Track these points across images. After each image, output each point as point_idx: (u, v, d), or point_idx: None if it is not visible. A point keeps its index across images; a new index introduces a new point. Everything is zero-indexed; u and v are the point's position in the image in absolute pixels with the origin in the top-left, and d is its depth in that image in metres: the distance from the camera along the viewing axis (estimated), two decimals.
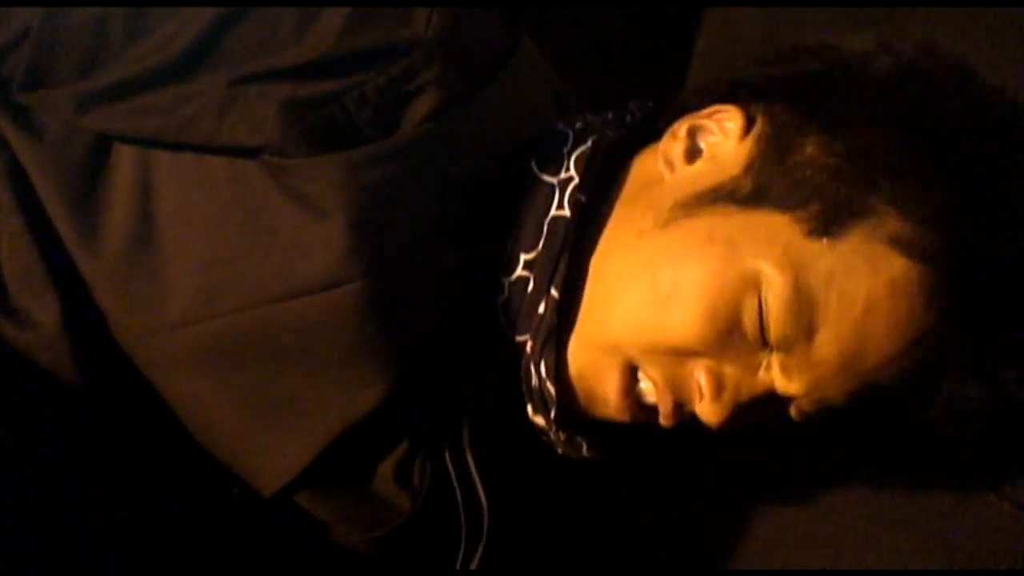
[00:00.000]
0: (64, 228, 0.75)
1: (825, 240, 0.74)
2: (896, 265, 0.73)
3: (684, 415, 0.78)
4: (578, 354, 0.79)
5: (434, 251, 0.77)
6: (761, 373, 0.76)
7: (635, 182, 0.80)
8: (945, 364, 0.75)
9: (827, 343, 0.74)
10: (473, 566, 0.80)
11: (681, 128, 0.80)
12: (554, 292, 0.77)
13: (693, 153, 0.79)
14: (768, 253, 0.74)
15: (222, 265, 0.74)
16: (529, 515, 0.89)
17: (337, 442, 0.77)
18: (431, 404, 0.81)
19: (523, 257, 0.79)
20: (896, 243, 0.73)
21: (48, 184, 0.75)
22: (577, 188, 0.78)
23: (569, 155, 0.80)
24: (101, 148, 0.76)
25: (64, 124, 0.75)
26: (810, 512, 0.93)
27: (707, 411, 0.76)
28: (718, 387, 0.76)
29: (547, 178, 0.80)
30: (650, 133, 0.83)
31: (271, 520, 0.82)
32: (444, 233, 0.77)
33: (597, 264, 0.79)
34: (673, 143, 0.80)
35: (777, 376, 0.76)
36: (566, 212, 0.78)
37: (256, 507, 0.81)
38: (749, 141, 0.78)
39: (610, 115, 0.85)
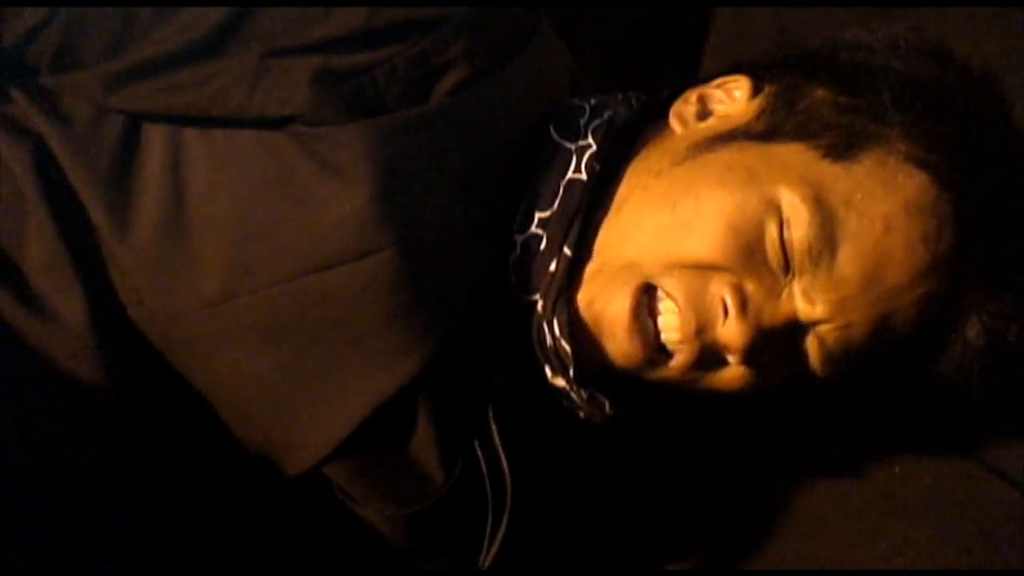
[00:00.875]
0: (96, 212, 0.74)
1: (840, 164, 0.77)
2: (910, 187, 0.76)
3: (705, 350, 0.77)
4: (590, 284, 0.79)
5: (461, 217, 0.77)
6: (784, 300, 0.77)
7: (648, 148, 0.83)
8: (962, 298, 0.78)
9: (848, 260, 0.76)
10: (497, 541, 0.79)
11: (692, 95, 0.84)
12: (567, 251, 0.78)
13: (704, 116, 0.83)
14: (786, 177, 0.76)
15: (256, 239, 0.74)
16: (552, 486, 0.89)
17: (377, 412, 0.77)
18: (461, 372, 0.80)
19: (538, 215, 0.80)
20: (909, 164, 0.76)
21: (78, 168, 0.75)
22: (594, 156, 0.80)
23: (587, 126, 0.82)
24: (132, 129, 0.76)
25: (94, 106, 0.75)
26: (821, 499, 0.93)
27: (731, 330, 0.76)
28: (742, 303, 0.76)
29: (566, 143, 0.81)
30: (660, 114, 0.85)
31: (294, 509, 0.81)
32: (470, 199, 0.78)
33: (612, 216, 0.80)
34: (685, 106, 0.84)
35: (800, 301, 0.77)
36: (583, 175, 0.80)
37: (280, 497, 0.81)
38: (759, 100, 0.82)
39: (620, 96, 0.86)
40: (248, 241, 0.74)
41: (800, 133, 0.79)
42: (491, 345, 0.82)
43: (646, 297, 0.77)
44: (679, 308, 0.76)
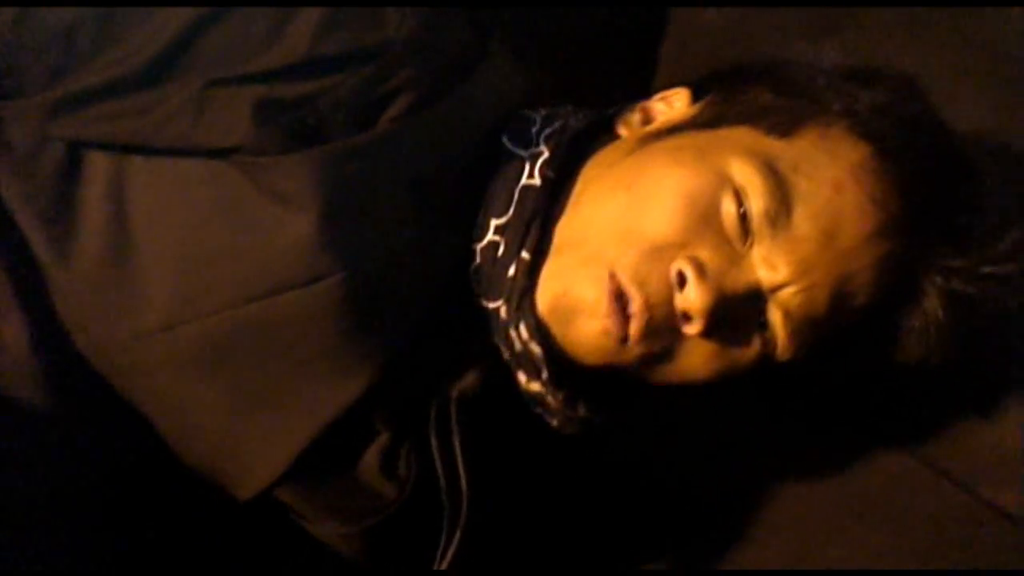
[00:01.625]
0: (36, 240, 0.74)
1: (784, 140, 0.80)
2: (854, 154, 0.79)
3: (662, 324, 0.77)
4: (560, 275, 0.79)
5: (411, 238, 0.78)
6: (744, 268, 0.77)
7: (599, 153, 0.84)
8: (917, 264, 0.80)
9: (804, 220, 0.77)
10: (449, 555, 0.79)
11: (635, 107, 0.87)
12: (524, 255, 0.79)
13: (647, 123, 0.86)
14: (735, 152, 0.79)
15: (201, 266, 0.74)
16: (515, 496, 0.89)
17: (323, 434, 0.77)
18: (415, 388, 0.81)
19: (494, 222, 0.81)
20: (850, 136, 0.80)
21: (18, 196, 0.74)
22: (547, 162, 0.81)
23: (538, 134, 0.83)
24: (73, 157, 0.75)
25: (34, 134, 0.75)
26: (774, 505, 0.95)
27: (690, 294, 0.76)
28: (700, 270, 0.76)
29: (519, 151, 0.82)
30: (607, 128, 0.87)
31: (247, 532, 0.82)
32: (420, 219, 0.78)
33: (570, 211, 0.81)
34: (630, 115, 0.87)
35: (761, 269, 0.78)
36: (536, 181, 0.81)
37: (231, 519, 0.81)
38: (699, 104, 0.86)
39: (571, 108, 0.87)
40: (193, 268, 0.74)
41: (743, 118, 0.82)
42: (455, 355, 0.82)
43: (614, 277, 0.77)
44: (625, 286, 0.77)
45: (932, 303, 0.81)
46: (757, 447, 0.98)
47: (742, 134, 0.81)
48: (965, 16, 1.03)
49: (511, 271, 0.79)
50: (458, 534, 0.80)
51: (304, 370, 0.76)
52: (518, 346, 0.79)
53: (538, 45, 1.09)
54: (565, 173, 0.82)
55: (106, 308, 0.75)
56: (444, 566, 0.79)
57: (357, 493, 0.80)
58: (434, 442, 0.80)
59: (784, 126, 0.80)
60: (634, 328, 0.77)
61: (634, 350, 0.78)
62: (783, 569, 0.92)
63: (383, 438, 0.80)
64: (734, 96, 0.84)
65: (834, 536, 0.92)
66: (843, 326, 0.81)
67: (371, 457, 0.80)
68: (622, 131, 0.86)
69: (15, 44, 0.75)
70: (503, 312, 0.80)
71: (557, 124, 0.84)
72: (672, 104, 0.86)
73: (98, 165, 0.75)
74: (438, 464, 0.80)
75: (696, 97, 0.86)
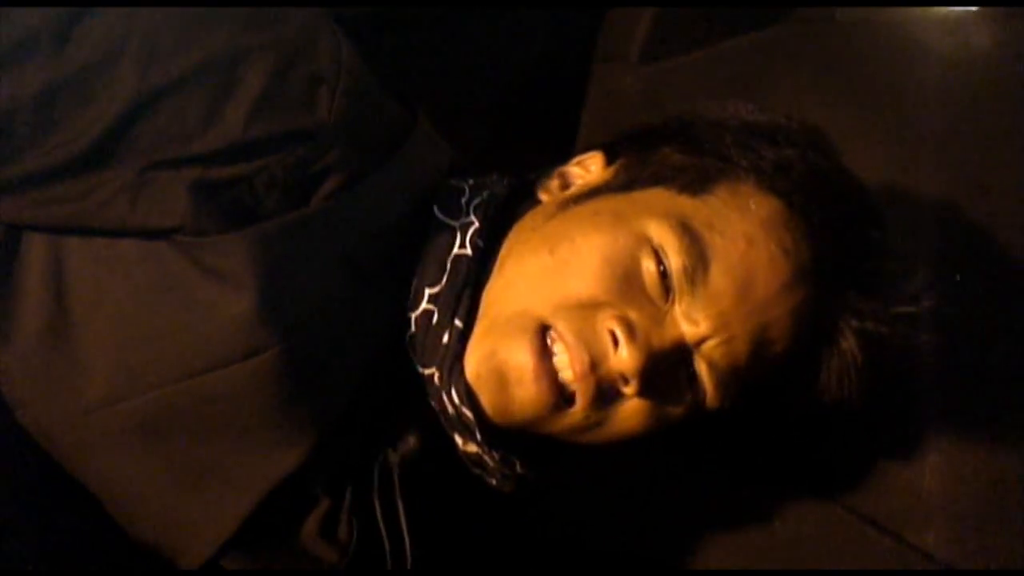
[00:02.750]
0: None
1: (697, 198, 0.83)
2: (763, 208, 0.82)
3: (601, 384, 0.79)
4: (486, 338, 0.80)
5: (344, 310, 0.80)
6: (668, 325, 0.80)
7: (522, 219, 0.87)
8: (830, 310, 0.83)
9: (720, 275, 0.80)
10: None
11: (553, 172, 0.90)
12: (458, 322, 0.81)
13: (566, 188, 0.89)
14: (650, 213, 0.81)
15: (140, 344, 0.75)
16: (459, 553, 0.91)
17: (263, 504, 0.79)
18: (354, 453, 0.82)
19: (428, 291, 0.83)
20: (758, 192, 0.83)
21: None
22: (477, 232, 0.84)
23: (468, 204, 0.86)
24: (11, 238, 0.76)
25: None
26: (702, 551, 0.98)
27: (624, 356, 0.78)
28: (630, 330, 0.78)
29: (450, 221, 0.85)
30: (528, 194, 0.90)
31: None
32: (354, 291, 0.80)
33: (495, 275, 0.83)
34: (548, 181, 0.90)
35: (683, 324, 0.80)
36: (468, 250, 0.83)
37: None
38: (613, 167, 0.89)
39: (494, 176, 0.90)
40: (132, 346, 0.75)
41: (655, 180, 0.85)
42: (393, 420, 0.84)
43: (542, 331, 0.79)
44: (568, 346, 0.79)
45: (848, 344, 0.84)
46: (684, 499, 1.00)
47: (656, 195, 0.83)
48: (871, 74, 1.09)
49: (444, 338, 0.81)
50: None
51: (243, 441, 0.78)
52: (451, 410, 0.81)
53: (461, 115, 1.12)
54: (492, 240, 0.85)
55: (47, 386, 0.76)
56: None
57: (300, 559, 0.82)
58: (378, 506, 0.82)
59: (695, 185, 0.83)
60: (583, 395, 0.79)
61: (577, 415, 0.80)
62: (775, 570, 0.94)
63: (323, 504, 0.82)
64: (645, 158, 0.87)
65: None
66: (766, 372, 0.83)
67: (311, 523, 0.82)
68: (543, 196, 0.89)
69: None
70: (436, 378, 0.82)
71: (485, 193, 0.87)
72: (587, 167, 0.89)
73: (36, 246, 0.76)
74: (382, 527, 0.82)
75: (610, 159, 0.89)
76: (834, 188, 0.85)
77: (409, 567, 0.81)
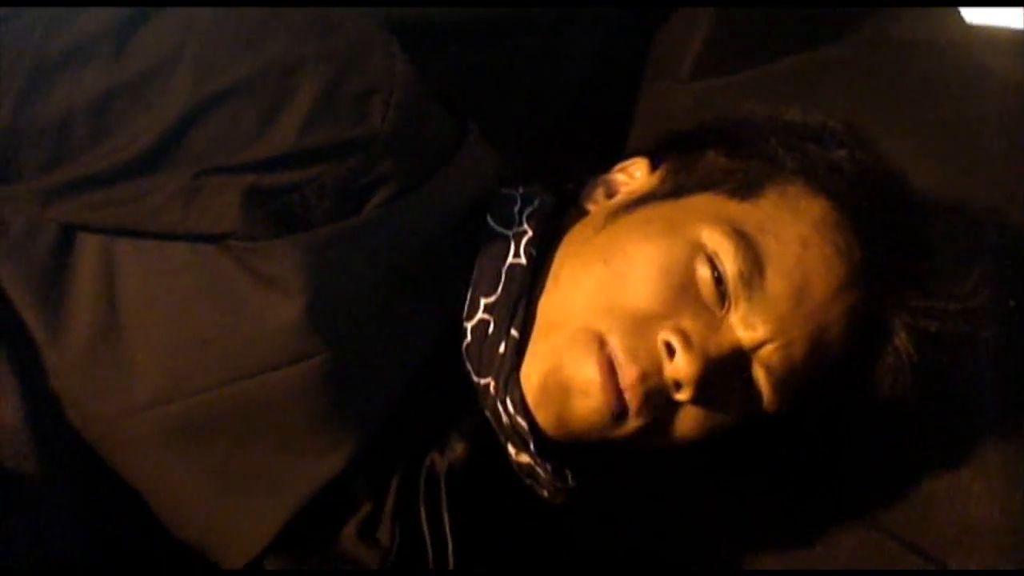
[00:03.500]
0: (29, 319, 0.76)
1: (747, 202, 0.83)
2: (815, 209, 0.83)
3: (653, 395, 0.79)
4: (549, 355, 0.81)
5: (393, 319, 0.81)
6: (724, 331, 0.80)
7: (571, 230, 0.87)
8: (884, 309, 0.83)
9: (776, 279, 0.80)
10: None
11: (597, 181, 0.90)
12: (514, 332, 0.81)
13: (611, 196, 0.89)
14: (702, 220, 0.82)
15: (189, 347, 0.76)
16: (502, 565, 0.91)
17: (305, 508, 0.80)
18: (399, 460, 0.83)
19: (483, 301, 0.83)
20: (808, 193, 0.83)
21: (12, 276, 0.76)
22: (531, 241, 0.84)
23: (520, 213, 0.86)
24: (65, 240, 0.77)
25: (29, 217, 0.77)
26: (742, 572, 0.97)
27: (680, 364, 0.78)
28: (685, 340, 0.78)
29: (503, 230, 0.85)
30: (572, 203, 0.90)
31: None
32: (402, 300, 0.81)
33: (550, 288, 0.84)
34: (592, 190, 0.90)
35: (740, 330, 0.80)
36: (522, 260, 0.84)
37: None
38: (658, 173, 0.89)
39: (540, 186, 0.91)
40: (181, 348, 0.77)
41: (703, 185, 0.85)
42: (441, 428, 0.85)
43: (604, 344, 0.80)
44: (619, 363, 0.79)
45: (903, 342, 0.83)
46: (727, 520, 1.00)
47: (706, 201, 0.84)
48: (928, 95, 1.08)
49: (501, 348, 0.82)
50: None
51: (287, 446, 0.79)
52: (506, 420, 0.82)
53: (509, 132, 1.13)
54: (543, 250, 0.85)
55: (96, 386, 0.77)
56: None
57: (340, 563, 0.82)
58: (423, 512, 0.83)
59: (744, 189, 0.83)
60: (632, 403, 0.79)
61: (631, 424, 0.81)
62: (782, 570, 0.94)
63: (364, 509, 0.82)
64: (690, 163, 0.87)
65: None
66: (823, 373, 0.83)
67: (352, 528, 0.82)
68: (589, 206, 0.89)
69: (14, 133, 0.77)
70: (492, 388, 0.82)
71: (536, 202, 0.87)
72: (632, 174, 0.90)
73: (89, 248, 0.78)
74: (426, 535, 0.82)
75: (654, 165, 0.89)
76: (883, 187, 0.85)
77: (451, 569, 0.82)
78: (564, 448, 0.84)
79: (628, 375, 0.79)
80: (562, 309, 0.82)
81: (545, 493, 0.86)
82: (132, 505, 0.79)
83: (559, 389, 0.80)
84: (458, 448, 0.84)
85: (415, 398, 0.83)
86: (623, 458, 0.89)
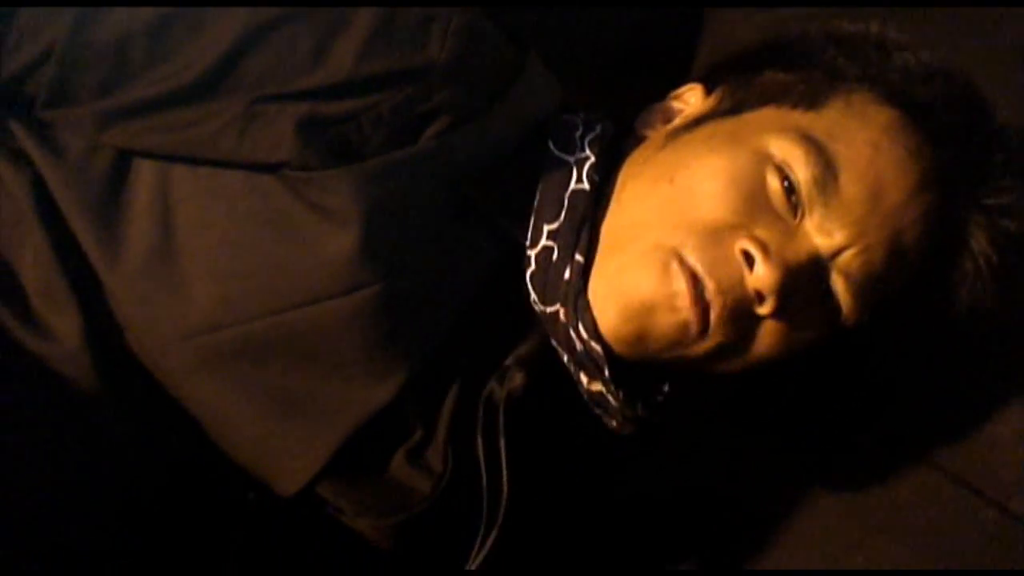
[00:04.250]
0: (87, 242, 0.77)
1: (812, 112, 0.81)
2: (882, 116, 0.81)
3: (735, 307, 0.77)
4: (618, 278, 0.79)
5: (450, 250, 0.80)
6: (800, 239, 0.78)
7: (631, 154, 0.85)
8: (958, 210, 0.82)
9: (850, 183, 0.78)
10: (482, 556, 0.81)
11: (653, 108, 0.89)
12: (579, 257, 0.80)
13: (669, 122, 0.87)
14: (768, 130, 0.80)
15: (244, 274, 0.76)
16: (556, 499, 0.90)
17: (356, 434, 0.80)
18: (454, 389, 0.83)
19: (546, 228, 0.82)
20: (874, 102, 0.82)
21: (71, 199, 0.77)
22: (593, 167, 0.83)
23: (582, 139, 0.85)
24: (122, 164, 0.77)
25: (86, 141, 0.77)
26: (800, 515, 0.96)
27: (761, 274, 0.76)
28: (764, 248, 0.77)
29: (565, 156, 0.84)
30: (631, 132, 0.88)
31: (288, 525, 0.83)
32: (461, 230, 0.80)
33: (614, 210, 0.82)
34: (649, 116, 0.88)
35: (817, 237, 0.79)
36: (585, 185, 0.82)
37: (273, 513, 0.83)
38: (714, 95, 0.87)
39: (602, 113, 0.89)
40: (236, 275, 0.77)
41: (765, 99, 0.83)
42: (500, 358, 0.83)
43: (687, 267, 0.78)
44: (700, 275, 0.77)
45: (980, 243, 0.82)
46: (786, 458, 0.99)
47: (768, 114, 0.82)
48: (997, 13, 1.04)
49: (567, 274, 0.80)
50: (494, 535, 0.81)
51: (338, 374, 0.78)
52: (580, 347, 0.81)
53: (571, 57, 1.11)
54: (605, 176, 0.84)
55: (151, 309, 0.77)
56: (475, 566, 0.81)
57: (391, 489, 0.82)
58: (480, 442, 0.82)
59: (808, 100, 0.82)
60: (714, 316, 0.77)
61: (711, 340, 0.79)
62: (789, 570, 0.93)
63: (416, 436, 0.82)
64: (748, 81, 0.86)
65: (859, 546, 0.93)
66: (901, 281, 0.82)
67: (402, 454, 0.82)
68: (646, 132, 0.87)
69: (70, 56, 0.77)
70: (562, 315, 0.81)
71: (598, 128, 0.86)
72: (687, 100, 0.88)
73: (146, 172, 0.78)
74: (482, 465, 0.81)
75: (709, 89, 0.87)
76: (950, 85, 0.84)
77: (504, 508, 0.81)
78: (637, 376, 0.82)
79: (710, 287, 0.77)
80: (629, 228, 0.81)
81: (614, 423, 0.85)
82: (188, 429, 0.80)
83: (642, 307, 0.78)
84: (517, 377, 0.82)
85: (472, 327, 0.82)
86: (696, 390, 0.87)
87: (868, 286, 0.80)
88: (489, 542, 0.81)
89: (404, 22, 0.77)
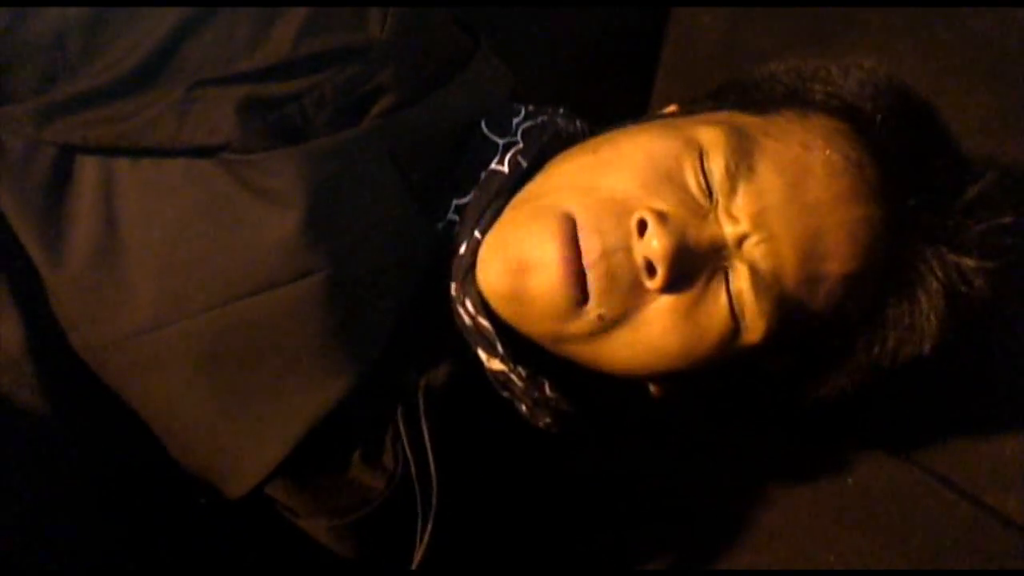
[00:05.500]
0: (29, 242, 0.75)
1: (760, 116, 0.80)
2: (830, 123, 0.79)
3: (620, 271, 0.74)
4: (503, 233, 0.77)
5: (395, 232, 0.78)
6: (708, 222, 0.75)
7: (571, 149, 0.83)
8: (907, 240, 0.77)
9: (767, 172, 0.75)
10: (421, 549, 0.78)
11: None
12: (477, 234, 0.78)
13: None
14: (706, 122, 0.79)
15: (188, 267, 0.75)
16: (491, 486, 0.88)
17: (312, 432, 0.77)
18: (399, 379, 0.80)
19: (455, 202, 0.81)
20: (829, 113, 0.80)
21: (11, 200, 0.75)
22: (519, 152, 0.81)
23: (518, 126, 0.83)
24: (64, 161, 0.76)
25: (26, 139, 0.76)
26: (771, 510, 0.94)
27: (653, 241, 0.72)
28: (660, 218, 0.73)
29: (493, 137, 0.82)
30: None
31: (240, 528, 0.82)
32: (404, 212, 0.78)
33: (532, 182, 0.80)
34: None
35: (724, 221, 0.75)
36: (504, 168, 0.81)
37: (224, 516, 0.81)
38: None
39: (561, 110, 0.88)
40: (180, 268, 0.75)
41: (720, 105, 0.83)
42: (433, 345, 0.82)
43: (570, 220, 0.74)
44: (583, 236, 0.74)
45: (928, 290, 0.78)
46: (754, 451, 0.97)
47: (718, 113, 0.82)
48: (965, 17, 1.03)
49: (462, 249, 0.79)
50: (429, 528, 0.79)
51: (292, 367, 0.76)
52: (468, 322, 0.79)
53: (534, 52, 1.10)
54: (537, 165, 0.82)
55: (96, 308, 0.75)
56: (415, 565, 0.79)
57: (345, 487, 0.80)
58: (403, 433, 0.79)
59: (760, 105, 0.81)
60: (592, 280, 0.74)
61: (592, 312, 0.75)
62: (781, 570, 0.91)
63: (371, 431, 0.80)
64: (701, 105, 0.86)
65: (831, 542, 0.91)
66: (817, 300, 0.77)
67: (358, 451, 0.80)
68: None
69: (5, 51, 0.76)
70: (453, 289, 0.79)
71: (540, 119, 0.84)
72: None
73: (88, 168, 0.76)
74: (409, 455, 0.79)
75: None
76: (910, 113, 0.81)
77: (435, 498, 0.78)
78: (539, 358, 0.79)
79: (592, 249, 0.73)
80: (537, 188, 0.79)
81: (524, 408, 0.82)
82: (137, 431, 0.78)
83: (516, 265, 0.75)
84: (441, 368, 0.80)
85: (415, 314, 0.80)
86: (612, 382, 0.82)
87: (774, 285, 0.75)
88: (426, 536, 0.78)
89: (343, 5, 0.76)
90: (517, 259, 0.76)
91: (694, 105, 0.86)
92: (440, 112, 0.80)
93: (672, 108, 0.88)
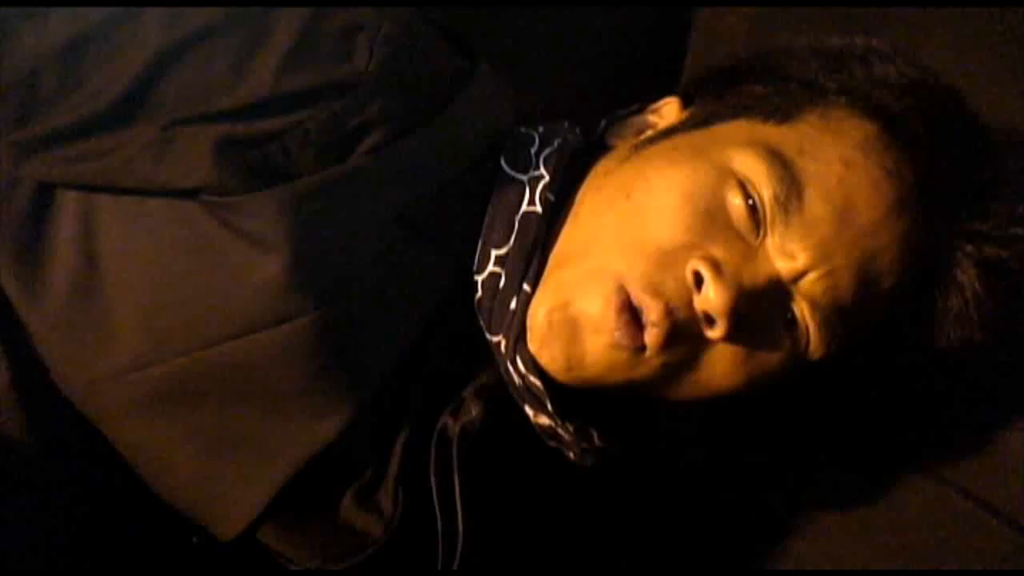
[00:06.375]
0: (7, 279, 0.74)
1: (784, 125, 0.77)
2: (859, 131, 0.76)
3: (681, 328, 0.73)
4: (553, 293, 0.75)
5: (392, 274, 0.76)
6: (760, 261, 0.74)
7: (595, 167, 0.82)
8: (943, 236, 0.77)
9: (816, 201, 0.74)
10: None
11: (625, 123, 0.85)
12: (526, 287, 0.77)
13: (640, 134, 0.84)
14: (733, 144, 0.76)
15: (169, 308, 0.73)
16: (521, 537, 0.86)
17: (299, 475, 0.76)
18: (404, 423, 0.79)
19: (494, 253, 0.79)
20: (853, 115, 0.77)
21: None
22: (547, 186, 0.79)
23: (537, 155, 0.81)
24: (43, 196, 0.74)
25: (4, 176, 0.74)
26: (803, 536, 0.91)
27: (709, 293, 0.72)
28: (716, 268, 0.72)
29: (517, 175, 0.80)
30: (600, 145, 0.85)
31: (235, 567, 0.80)
32: (404, 252, 0.76)
33: (570, 223, 0.78)
34: (621, 130, 0.85)
35: (778, 260, 0.74)
36: (537, 208, 0.78)
37: (219, 555, 0.79)
38: (690, 109, 0.83)
39: (566, 124, 0.85)
40: (162, 309, 0.73)
41: (736, 111, 0.79)
42: (455, 388, 0.80)
43: (621, 288, 0.74)
44: (642, 301, 0.73)
45: (967, 275, 0.77)
46: (785, 478, 0.94)
47: (738, 127, 0.78)
48: (1001, 14, 0.98)
49: (512, 304, 0.77)
50: (453, 567, 0.77)
51: (277, 410, 0.75)
52: (518, 381, 0.77)
53: (555, 57, 1.07)
54: (564, 192, 0.80)
55: (75, 347, 0.74)
56: None
57: (340, 532, 0.79)
58: (434, 481, 0.78)
59: (781, 112, 0.78)
60: (652, 337, 0.73)
61: (653, 361, 0.74)
62: (786, 570, 0.89)
63: (366, 475, 0.78)
64: (723, 93, 0.82)
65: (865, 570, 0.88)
66: (875, 313, 0.77)
67: (351, 494, 0.78)
68: (615, 143, 0.84)
69: None
70: (503, 347, 0.77)
71: (555, 142, 0.82)
72: (663, 114, 0.84)
73: (68, 205, 0.75)
74: (436, 505, 0.78)
75: (686, 103, 0.84)
76: (936, 102, 0.79)
77: (460, 547, 0.77)
78: (588, 406, 0.78)
79: (655, 311, 0.72)
80: (581, 244, 0.77)
81: (571, 455, 0.81)
82: (125, 470, 0.77)
83: (566, 326, 0.74)
84: (473, 409, 0.79)
85: (424, 356, 0.78)
86: (657, 416, 0.83)
87: (834, 313, 0.75)
88: None
89: (328, 33, 0.73)
90: (568, 321, 0.74)
91: (701, 106, 0.83)
92: (439, 142, 0.77)
93: (671, 101, 0.84)
